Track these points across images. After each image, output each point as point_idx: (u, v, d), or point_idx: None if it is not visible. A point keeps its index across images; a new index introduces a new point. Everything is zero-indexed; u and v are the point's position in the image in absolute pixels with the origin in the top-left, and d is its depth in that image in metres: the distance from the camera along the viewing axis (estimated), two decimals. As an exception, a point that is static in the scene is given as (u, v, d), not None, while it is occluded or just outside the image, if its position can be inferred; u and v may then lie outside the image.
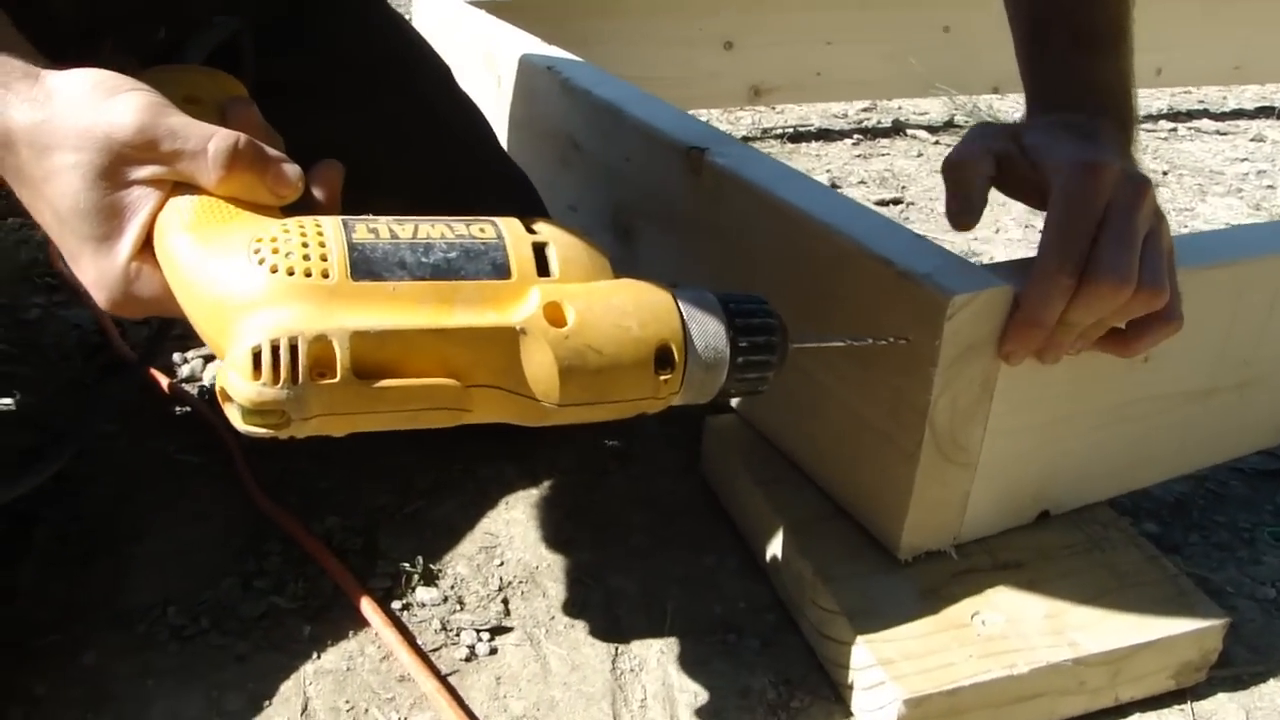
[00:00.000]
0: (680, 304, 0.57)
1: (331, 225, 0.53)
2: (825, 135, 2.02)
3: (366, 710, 0.72)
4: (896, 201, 1.70)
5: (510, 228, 0.56)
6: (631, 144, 1.02)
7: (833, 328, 0.77)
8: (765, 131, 2.01)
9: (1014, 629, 0.72)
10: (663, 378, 0.56)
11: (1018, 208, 1.73)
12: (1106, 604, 0.76)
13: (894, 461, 0.73)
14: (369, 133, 0.87)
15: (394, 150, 0.90)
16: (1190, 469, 0.92)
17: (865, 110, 2.20)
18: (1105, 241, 0.66)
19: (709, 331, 0.57)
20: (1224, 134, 2.37)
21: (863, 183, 1.78)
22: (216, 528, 0.87)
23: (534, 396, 0.54)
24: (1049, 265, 0.66)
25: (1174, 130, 2.36)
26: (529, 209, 0.97)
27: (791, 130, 2.03)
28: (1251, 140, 2.33)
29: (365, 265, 0.52)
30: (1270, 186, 2.02)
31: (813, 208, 0.79)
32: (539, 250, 0.56)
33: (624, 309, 0.55)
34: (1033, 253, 0.69)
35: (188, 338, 1.14)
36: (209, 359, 1.10)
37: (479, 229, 0.55)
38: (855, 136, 2.02)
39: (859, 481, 0.78)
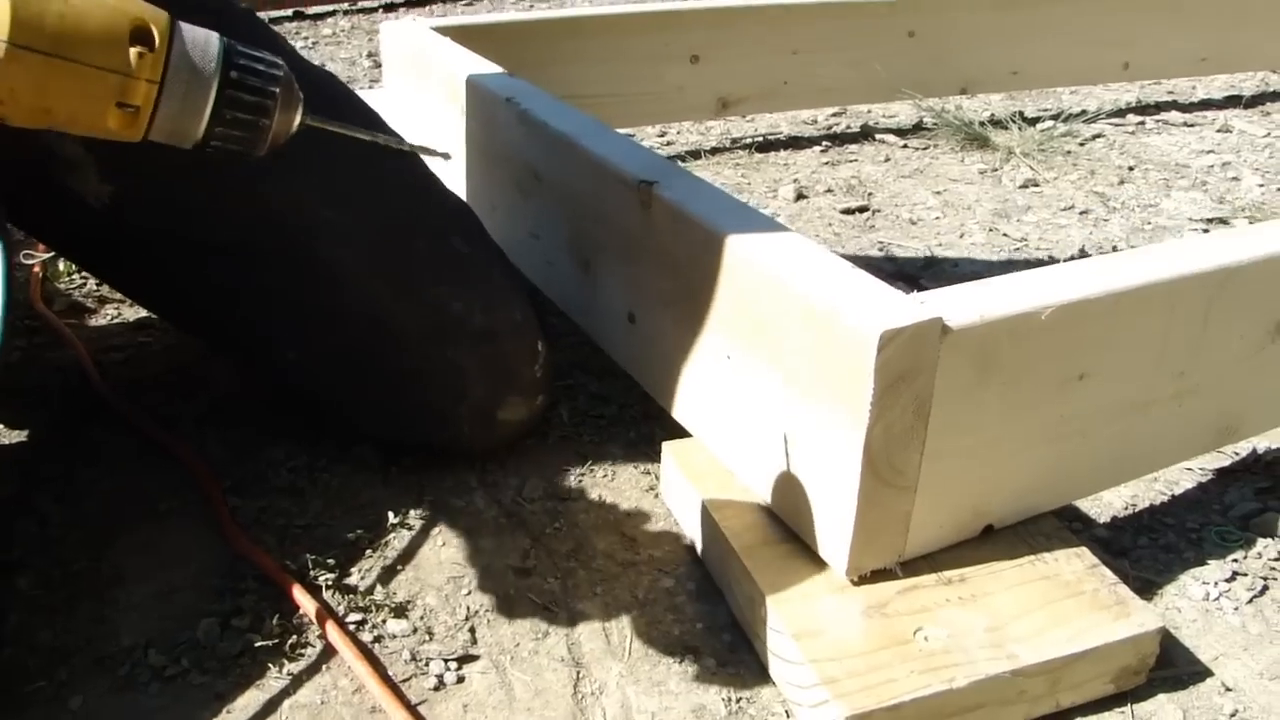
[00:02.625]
0: (174, 17, 0.59)
1: None
2: (794, 143, 2.05)
3: (340, 742, 0.75)
4: (863, 209, 1.74)
5: None
6: (586, 176, 1.05)
7: (775, 350, 0.80)
8: (735, 141, 2.04)
9: (955, 643, 0.76)
10: (137, 51, 0.56)
11: (982, 211, 1.76)
12: (1046, 615, 0.79)
13: (835, 484, 0.77)
14: None
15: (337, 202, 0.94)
16: (1132, 477, 0.96)
17: (835, 115, 2.24)
18: None
19: (200, 39, 0.59)
20: (1191, 125, 2.40)
21: (830, 191, 1.81)
22: (195, 568, 0.90)
23: None
24: None
25: (1141, 124, 2.38)
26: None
27: (761, 139, 2.06)
28: (1218, 131, 2.36)
29: None
30: (1235, 179, 2.05)
31: (752, 242, 0.82)
32: None
33: None
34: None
35: (177, 383, 1.17)
36: (214, 403, 1.13)
37: None
38: (824, 143, 2.05)
39: (805, 505, 0.81)
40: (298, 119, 0.64)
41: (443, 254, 0.98)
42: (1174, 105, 2.53)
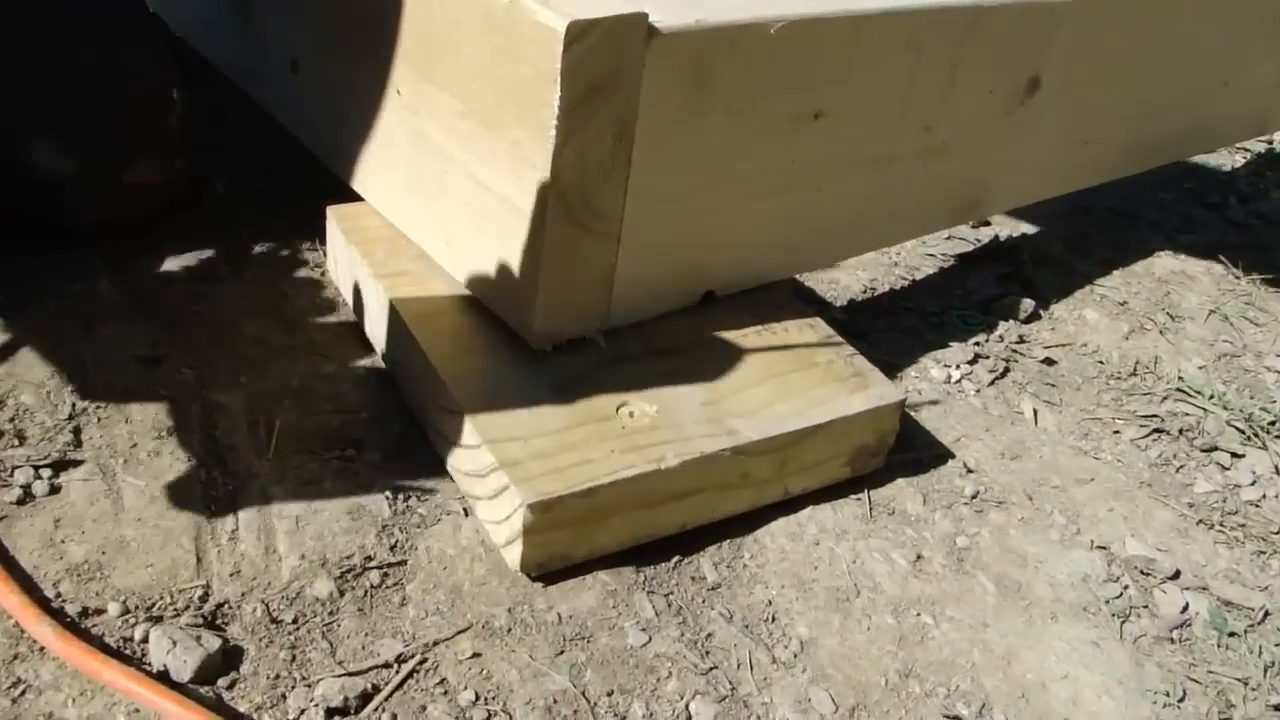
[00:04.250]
0: None
1: None
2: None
3: (-123, 574, 0.57)
4: None
5: None
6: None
7: (452, 73, 0.65)
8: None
9: (666, 419, 0.63)
10: None
11: None
12: (774, 389, 0.67)
13: (521, 232, 0.62)
14: None
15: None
16: (873, 248, 0.85)
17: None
18: None
19: None
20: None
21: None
22: None
23: None
24: None
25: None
26: None
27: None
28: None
29: None
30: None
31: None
32: None
33: None
34: None
35: None
36: None
37: None
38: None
39: (488, 262, 0.67)
40: None
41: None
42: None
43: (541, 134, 0.57)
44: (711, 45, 0.62)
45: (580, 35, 0.55)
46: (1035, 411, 0.82)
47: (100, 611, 0.56)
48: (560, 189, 0.59)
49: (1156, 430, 0.83)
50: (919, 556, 0.67)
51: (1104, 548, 0.70)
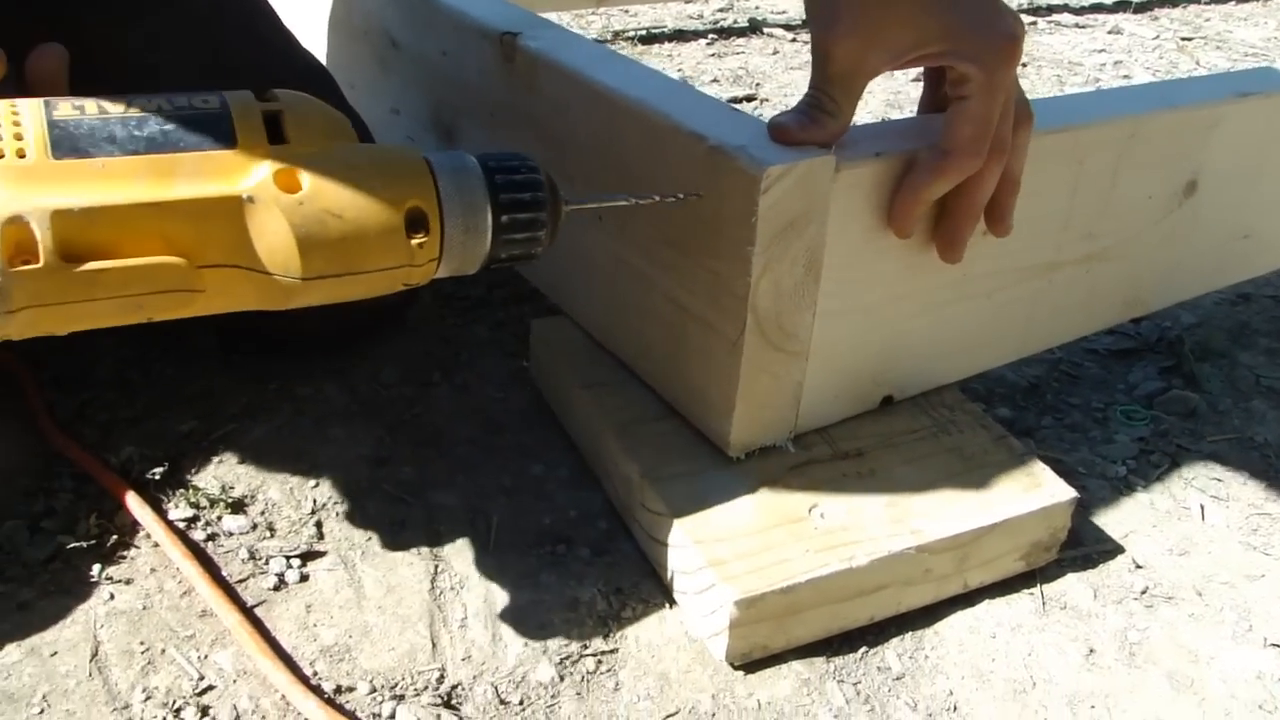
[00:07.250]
0: (432, 163, 0.55)
1: (29, 105, 0.48)
2: (679, 36, 1.96)
3: (163, 651, 0.65)
4: (750, 99, 1.65)
5: (237, 98, 0.52)
6: (447, 36, 0.95)
7: (646, 215, 0.71)
8: (617, 34, 1.94)
9: (854, 520, 0.68)
10: (417, 242, 0.54)
11: (874, 101, 1.69)
12: (952, 488, 0.72)
13: (718, 353, 0.68)
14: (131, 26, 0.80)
15: (159, 45, 0.82)
16: (1039, 349, 0.89)
17: (721, 10, 2.14)
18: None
19: (465, 189, 0.55)
20: (1083, 27, 2.36)
21: (715, 81, 1.72)
22: (2, 468, 0.79)
23: (273, 272, 0.51)
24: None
25: (1034, 24, 2.34)
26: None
27: (644, 32, 1.96)
28: (1109, 33, 2.33)
29: (69, 142, 0.47)
30: (1126, 76, 2.01)
31: (624, 86, 0.73)
32: (271, 118, 0.52)
33: (366, 171, 0.53)
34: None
35: None
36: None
37: (201, 100, 0.51)
38: (710, 36, 1.96)
39: (686, 377, 0.73)
40: (564, 213, 0.61)
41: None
42: (1065, 8, 2.49)
43: (741, 266, 0.64)
44: (892, 175, 0.68)
45: (777, 180, 0.62)
46: (1202, 507, 0.85)
47: (351, 689, 0.64)
48: (757, 315, 0.65)
49: (1326, 526, 0.84)
50: (1091, 650, 0.71)
51: (1277, 645, 0.73)
